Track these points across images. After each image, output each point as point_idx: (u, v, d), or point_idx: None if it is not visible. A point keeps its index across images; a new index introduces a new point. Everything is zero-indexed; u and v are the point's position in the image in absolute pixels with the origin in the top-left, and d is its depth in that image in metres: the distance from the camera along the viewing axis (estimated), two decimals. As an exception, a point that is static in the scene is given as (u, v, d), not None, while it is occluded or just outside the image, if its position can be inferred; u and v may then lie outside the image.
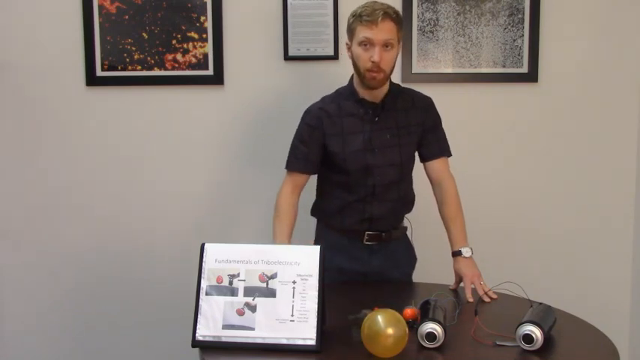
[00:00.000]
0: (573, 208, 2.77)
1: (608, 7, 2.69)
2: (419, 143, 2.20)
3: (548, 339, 1.58)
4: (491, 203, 2.74)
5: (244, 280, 1.66)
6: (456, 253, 2.13)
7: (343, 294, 1.99)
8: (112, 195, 2.75)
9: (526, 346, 1.56)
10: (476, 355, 1.58)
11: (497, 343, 1.61)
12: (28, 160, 2.74)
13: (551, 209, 2.77)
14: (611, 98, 2.73)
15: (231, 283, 1.66)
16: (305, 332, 1.60)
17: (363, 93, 2.13)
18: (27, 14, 2.67)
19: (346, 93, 2.17)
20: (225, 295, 1.65)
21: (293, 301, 1.63)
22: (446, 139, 2.23)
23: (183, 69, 2.68)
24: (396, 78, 2.61)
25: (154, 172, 2.75)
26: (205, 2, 2.64)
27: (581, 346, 1.68)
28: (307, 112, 2.19)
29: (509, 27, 2.67)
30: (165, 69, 2.68)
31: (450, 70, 2.69)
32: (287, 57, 2.67)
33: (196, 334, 1.64)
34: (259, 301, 1.64)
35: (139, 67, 2.68)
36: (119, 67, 2.68)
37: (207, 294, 1.66)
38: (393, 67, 2.09)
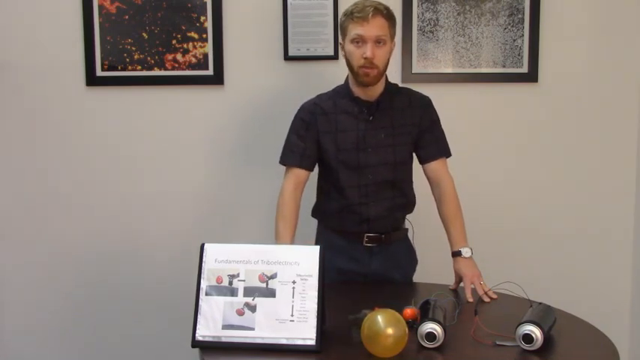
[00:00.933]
0: (573, 208, 2.77)
1: (608, 7, 2.69)
2: (416, 145, 2.19)
3: (548, 339, 1.58)
4: (491, 203, 2.74)
5: (244, 280, 1.66)
6: (456, 254, 2.12)
7: (343, 294, 1.99)
8: (112, 195, 2.75)
9: (526, 346, 1.56)
10: (476, 355, 1.58)
11: (497, 342, 1.61)
12: (28, 160, 2.74)
13: (551, 209, 2.77)
14: (611, 98, 2.73)
15: (230, 283, 1.66)
16: (305, 332, 1.60)
17: (357, 92, 2.13)
18: (27, 14, 2.67)
19: (343, 91, 2.17)
20: (225, 295, 1.65)
21: (293, 301, 1.63)
22: (445, 138, 2.22)
23: (183, 69, 2.68)
24: (396, 78, 2.61)
25: (153, 172, 2.75)
26: (205, 2, 2.64)
27: (581, 346, 1.68)
28: (302, 108, 2.19)
29: (509, 27, 2.66)
30: (165, 69, 2.68)
31: (450, 70, 2.69)
32: (287, 57, 2.67)
33: (196, 335, 1.64)
34: (259, 301, 1.64)
35: (139, 67, 2.68)
36: (119, 67, 2.68)
37: (207, 294, 1.66)
38: (387, 63, 2.09)
